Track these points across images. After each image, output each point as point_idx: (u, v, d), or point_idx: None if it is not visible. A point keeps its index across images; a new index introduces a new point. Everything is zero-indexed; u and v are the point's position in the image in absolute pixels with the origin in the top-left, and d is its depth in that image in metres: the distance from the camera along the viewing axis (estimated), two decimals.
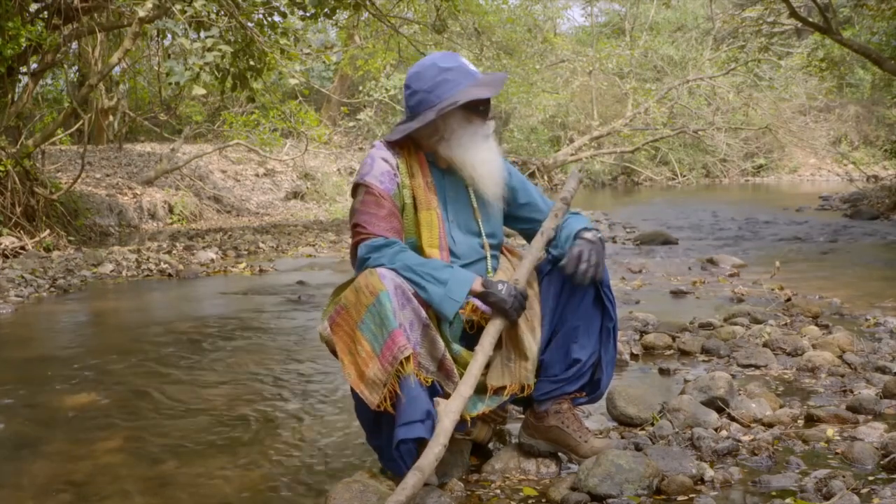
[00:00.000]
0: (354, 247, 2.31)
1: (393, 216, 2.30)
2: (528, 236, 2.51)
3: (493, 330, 2.24)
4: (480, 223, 2.44)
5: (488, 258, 2.44)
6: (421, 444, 2.14)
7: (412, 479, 1.94)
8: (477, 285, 2.23)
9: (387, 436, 2.21)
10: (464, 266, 2.38)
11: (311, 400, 3.22)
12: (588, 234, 2.34)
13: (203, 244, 9.30)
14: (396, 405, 2.12)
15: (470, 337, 2.33)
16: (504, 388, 2.31)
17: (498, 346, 2.32)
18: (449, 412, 2.07)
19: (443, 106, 2.31)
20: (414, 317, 2.18)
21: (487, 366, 2.33)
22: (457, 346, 2.29)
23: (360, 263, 2.28)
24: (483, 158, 2.38)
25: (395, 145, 2.40)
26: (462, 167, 2.38)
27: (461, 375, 2.22)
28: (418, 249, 2.34)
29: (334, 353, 2.27)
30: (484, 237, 2.44)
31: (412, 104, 2.37)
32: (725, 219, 11.86)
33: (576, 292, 2.36)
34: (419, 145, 2.40)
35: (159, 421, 2.98)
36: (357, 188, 2.35)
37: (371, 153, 2.40)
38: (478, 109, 2.37)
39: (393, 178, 2.34)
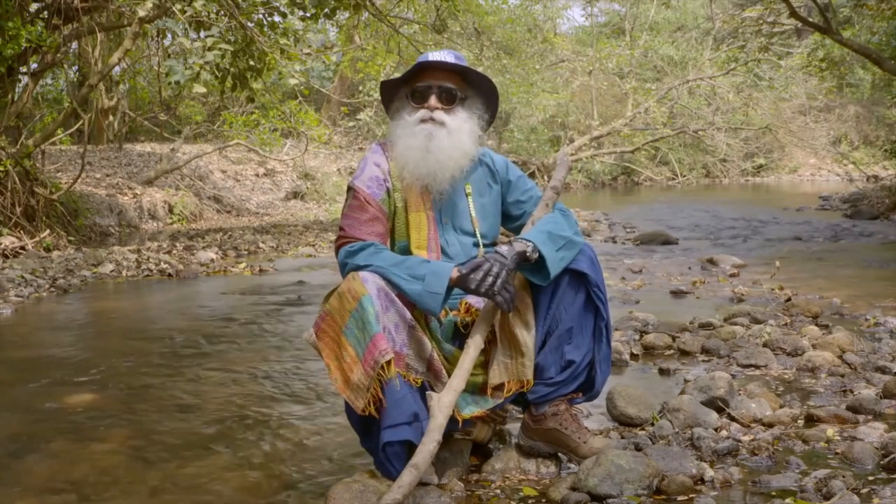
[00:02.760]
0: (336, 249, 2.35)
1: (376, 221, 2.33)
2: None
3: (483, 323, 2.23)
4: (476, 223, 2.44)
5: (480, 256, 2.44)
6: (409, 446, 2.14)
7: (408, 477, 1.94)
8: (455, 273, 2.21)
9: (377, 439, 2.21)
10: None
11: (311, 400, 3.22)
12: (516, 245, 2.25)
13: (203, 244, 9.29)
14: (380, 409, 2.12)
15: (463, 337, 2.33)
16: (503, 385, 2.31)
17: (494, 343, 2.32)
18: (442, 406, 2.06)
19: (382, 98, 2.50)
20: (399, 319, 2.19)
21: (488, 367, 2.33)
22: (448, 346, 2.29)
23: (340, 268, 2.31)
24: (405, 144, 2.37)
25: (389, 147, 2.42)
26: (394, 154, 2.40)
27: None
28: (407, 251, 2.36)
29: (321, 356, 2.27)
30: (479, 237, 2.44)
31: None
32: (725, 219, 11.86)
33: (567, 294, 2.34)
34: None
35: (159, 421, 2.98)
36: (348, 190, 2.40)
37: (366, 156, 2.44)
38: (416, 96, 2.38)
39: (382, 183, 2.36)
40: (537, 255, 2.24)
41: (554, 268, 2.25)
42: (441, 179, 2.36)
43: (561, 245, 2.29)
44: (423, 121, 2.35)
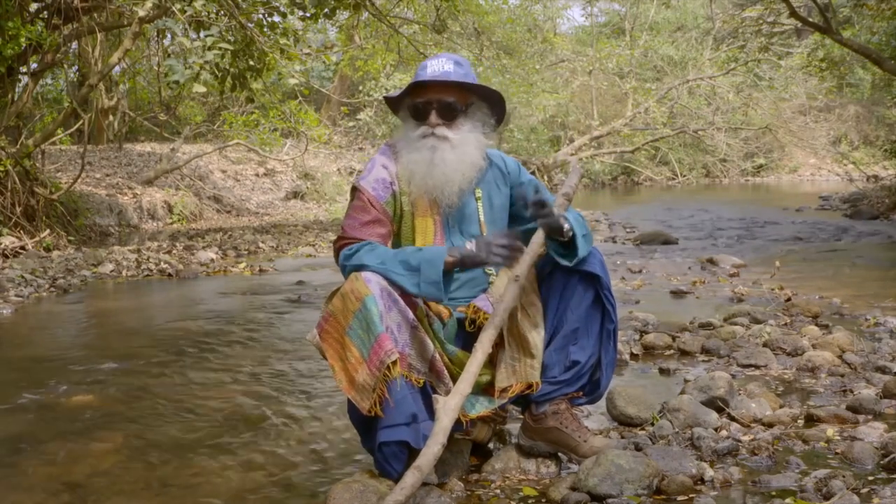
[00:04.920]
0: (336, 252, 2.34)
1: (377, 223, 2.31)
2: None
3: (491, 328, 2.23)
4: (484, 228, 2.43)
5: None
6: (406, 447, 2.15)
7: (411, 479, 1.94)
8: (449, 259, 2.21)
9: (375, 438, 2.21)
10: (463, 271, 2.38)
11: (311, 400, 3.22)
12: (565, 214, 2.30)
13: (203, 244, 9.30)
14: (386, 409, 2.12)
15: (467, 337, 2.33)
16: (510, 388, 2.31)
17: (501, 345, 2.31)
18: (448, 410, 2.06)
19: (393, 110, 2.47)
20: (401, 318, 2.19)
21: (494, 367, 2.32)
22: (451, 347, 2.29)
23: (341, 270, 2.30)
24: (408, 158, 2.35)
25: (399, 150, 2.41)
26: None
27: (457, 376, 2.22)
28: None
29: (325, 357, 2.27)
30: None
31: None
32: (725, 219, 11.86)
33: (575, 294, 2.35)
34: None
35: (159, 421, 2.98)
36: (353, 190, 2.38)
37: (375, 157, 2.42)
38: (417, 112, 2.35)
39: (388, 186, 2.35)
40: (571, 232, 2.27)
41: (582, 248, 2.28)
42: (449, 192, 2.35)
43: (585, 232, 2.32)
44: (424, 136, 2.34)
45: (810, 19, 12.37)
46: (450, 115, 2.35)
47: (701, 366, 3.55)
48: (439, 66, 2.35)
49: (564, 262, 2.31)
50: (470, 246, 2.21)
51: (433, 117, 2.33)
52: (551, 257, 2.39)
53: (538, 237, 2.35)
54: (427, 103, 2.34)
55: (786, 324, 4.25)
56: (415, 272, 2.17)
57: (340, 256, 2.29)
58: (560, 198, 2.42)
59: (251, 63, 9.54)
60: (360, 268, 2.21)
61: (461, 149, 2.34)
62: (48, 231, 8.55)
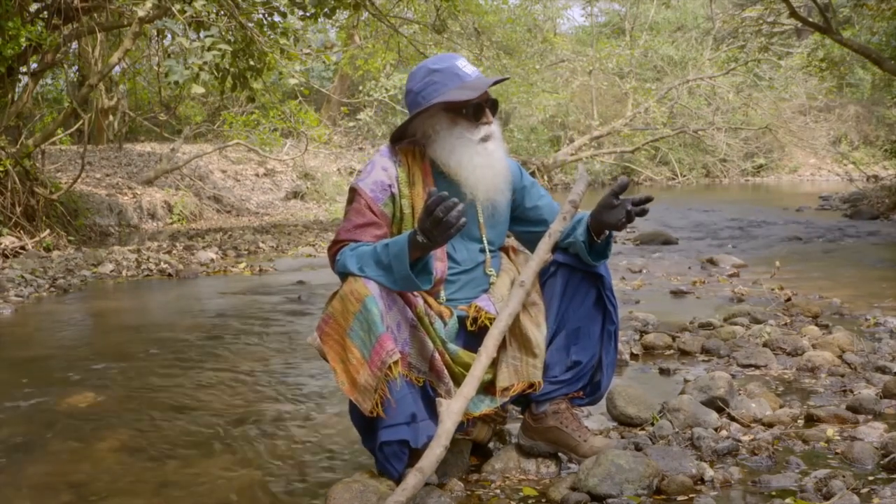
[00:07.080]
0: (331, 259, 2.32)
1: (373, 225, 2.29)
2: (531, 242, 2.47)
3: (496, 332, 2.22)
4: (483, 229, 2.43)
5: (488, 262, 2.43)
6: (407, 446, 2.15)
7: (413, 480, 1.94)
8: (413, 253, 2.12)
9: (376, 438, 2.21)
10: (464, 272, 2.38)
11: (311, 399, 3.22)
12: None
13: (203, 244, 9.30)
14: (388, 409, 2.12)
15: (469, 336, 2.33)
16: (511, 387, 2.31)
17: (503, 345, 2.31)
18: (451, 413, 2.06)
19: (418, 110, 2.32)
20: (401, 317, 2.19)
21: (496, 366, 2.32)
22: (453, 346, 2.28)
23: (338, 273, 2.28)
24: (472, 164, 2.32)
25: (399, 151, 2.39)
26: (450, 172, 2.34)
27: (459, 376, 2.22)
28: None
29: (327, 360, 2.27)
30: (485, 243, 2.43)
31: (407, 105, 2.39)
32: (726, 219, 11.86)
33: (578, 293, 2.36)
34: (424, 152, 2.38)
35: (159, 421, 2.98)
36: (351, 191, 2.36)
37: (374, 158, 2.40)
38: (462, 112, 2.31)
39: (386, 188, 2.33)
40: (607, 233, 2.31)
41: (609, 251, 2.35)
42: (499, 189, 2.38)
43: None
44: (485, 138, 2.33)
45: (810, 19, 12.38)
46: (495, 112, 2.39)
47: (701, 366, 3.55)
48: (472, 67, 2.37)
49: (591, 260, 2.33)
50: (421, 237, 2.10)
51: (489, 115, 2.36)
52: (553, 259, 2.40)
53: (545, 244, 2.34)
54: (481, 103, 2.34)
55: (786, 324, 4.25)
56: (388, 270, 2.15)
57: (337, 264, 2.28)
58: (567, 204, 2.42)
59: (251, 63, 9.53)
60: (351, 273, 2.20)
61: (501, 143, 2.39)
62: (48, 231, 8.55)
